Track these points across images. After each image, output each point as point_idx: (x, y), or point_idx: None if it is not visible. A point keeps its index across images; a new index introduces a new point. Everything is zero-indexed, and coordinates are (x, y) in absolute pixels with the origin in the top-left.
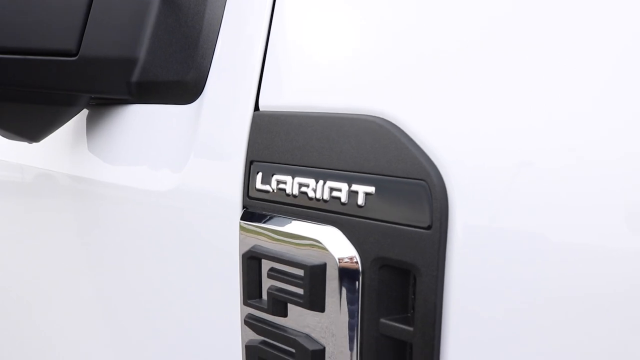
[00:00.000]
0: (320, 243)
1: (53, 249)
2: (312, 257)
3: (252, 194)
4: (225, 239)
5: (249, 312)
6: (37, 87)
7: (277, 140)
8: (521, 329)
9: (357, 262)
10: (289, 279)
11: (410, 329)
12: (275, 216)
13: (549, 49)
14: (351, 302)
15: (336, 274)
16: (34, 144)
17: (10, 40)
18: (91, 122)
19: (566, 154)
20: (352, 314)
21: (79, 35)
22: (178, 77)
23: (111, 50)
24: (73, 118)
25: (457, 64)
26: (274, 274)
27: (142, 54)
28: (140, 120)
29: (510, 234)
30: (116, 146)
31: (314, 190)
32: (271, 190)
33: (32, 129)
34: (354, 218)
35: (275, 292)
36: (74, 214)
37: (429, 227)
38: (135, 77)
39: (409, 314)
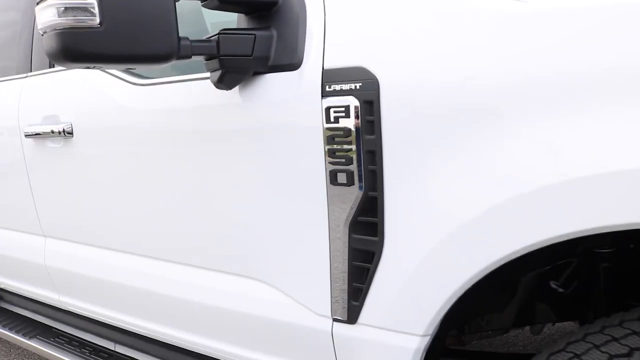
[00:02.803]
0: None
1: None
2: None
3: (324, 93)
4: (314, 109)
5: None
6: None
7: (330, 76)
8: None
9: (358, 106)
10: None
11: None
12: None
13: None
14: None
15: (357, 110)
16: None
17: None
18: (247, 83)
19: None
20: None
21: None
22: (291, 61)
23: (266, 54)
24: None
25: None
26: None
27: (272, 54)
28: (274, 78)
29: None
30: (260, 91)
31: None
32: (328, 89)
33: (231, 84)
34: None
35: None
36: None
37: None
38: (270, 61)
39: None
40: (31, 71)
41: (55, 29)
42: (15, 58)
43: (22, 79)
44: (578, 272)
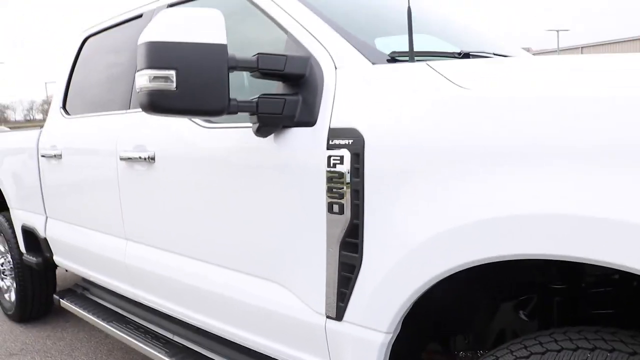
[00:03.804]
0: (344, 152)
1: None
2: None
3: (328, 145)
4: (321, 157)
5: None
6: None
7: (333, 133)
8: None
9: (349, 156)
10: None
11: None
12: (332, 149)
13: None
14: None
15: (348, 159)
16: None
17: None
18: (279, 133)
19: None
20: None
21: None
22: (310, 120)
23: (292, 113)
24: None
25: None
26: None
27: (297, 113)
28: (297, 131)
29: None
30: (286, 140)
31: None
32: (331, 142)
33: (266, 134)
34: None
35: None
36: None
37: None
38: (295, 119)
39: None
40: (129, 108)
41: (147, 90)
42: (119, 95)
43: (122, 115)
44: (541, 305)
